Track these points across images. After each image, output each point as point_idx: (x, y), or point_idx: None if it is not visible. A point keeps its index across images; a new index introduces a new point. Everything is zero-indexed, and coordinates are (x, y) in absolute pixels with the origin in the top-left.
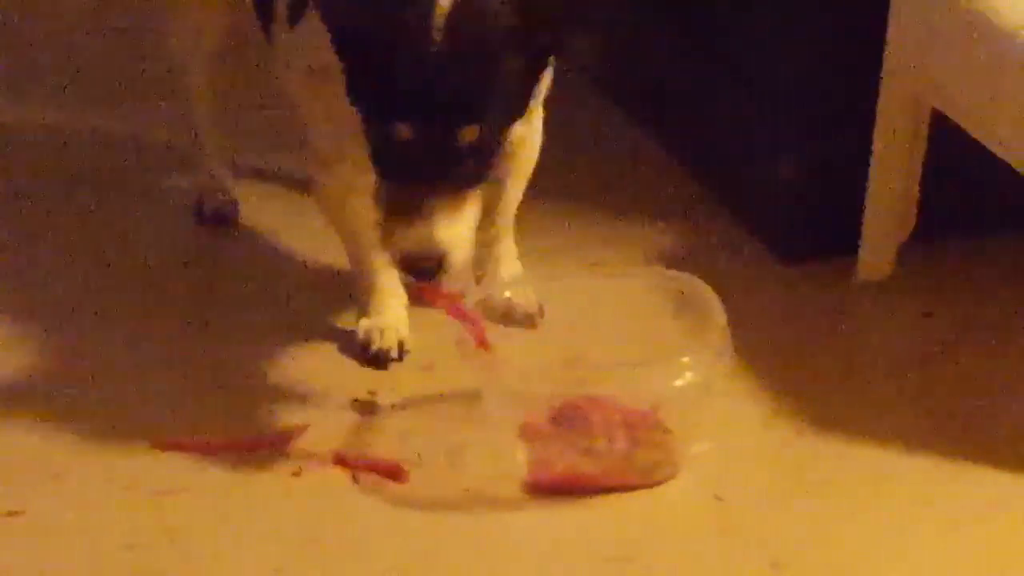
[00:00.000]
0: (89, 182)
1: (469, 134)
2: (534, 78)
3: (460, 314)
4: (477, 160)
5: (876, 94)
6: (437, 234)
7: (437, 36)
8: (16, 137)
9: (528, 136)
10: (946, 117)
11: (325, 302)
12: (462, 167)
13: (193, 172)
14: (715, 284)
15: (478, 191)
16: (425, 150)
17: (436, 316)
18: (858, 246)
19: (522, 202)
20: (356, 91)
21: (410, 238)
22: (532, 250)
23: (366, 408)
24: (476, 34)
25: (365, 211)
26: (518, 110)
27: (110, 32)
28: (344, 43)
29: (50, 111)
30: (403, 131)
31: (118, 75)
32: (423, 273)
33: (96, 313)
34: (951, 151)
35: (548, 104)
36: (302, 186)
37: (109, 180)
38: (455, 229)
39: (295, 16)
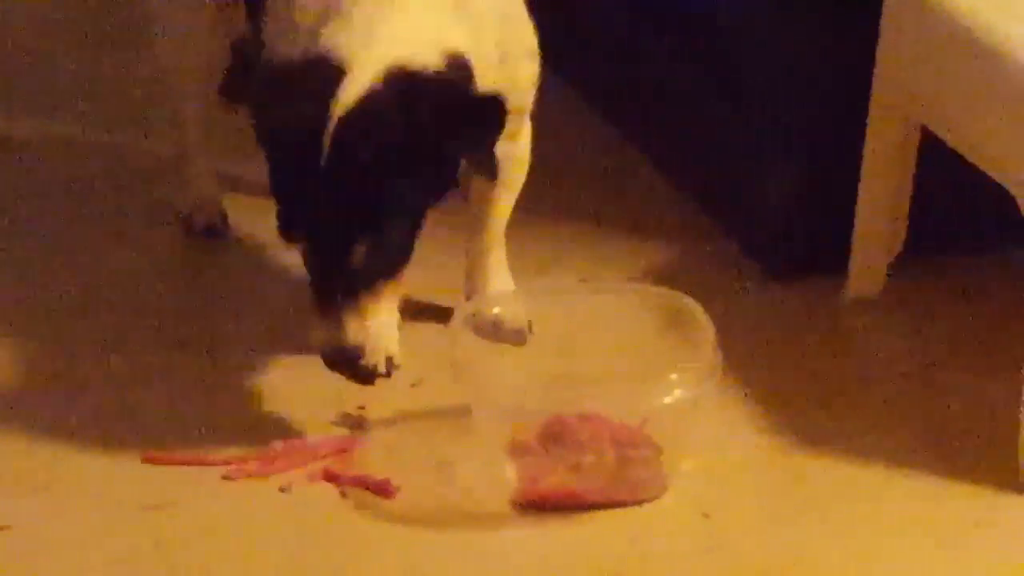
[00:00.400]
0: (78, 195)
1: (359, 249)
2: (436, 181)
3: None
4: (382, 262)
5: (867, 112)
6: (345, 335)
7: (324, 154)
8: (4, 150)
9: (517, 153)
10: (935, 135)
11: None
12: (366, 271)
13: (182, 185)
14: (705, 301)
15: (397, 278)
16: (322, 260)
17: (426, 332)
18: (848, 263)
19: (512, 217)
20: (274, 197)
21: (324, 338)
22: (522, 265)
23: (355, 423)
24: (362, 154)
25: None
26: (417, 211)
27: (100, 45)
28: (262, 144)
29: (40, 124)
30: (301, 244)
31: (108, 88)
32: (339, 368)
33: (85, 326)
34: (940, 169)
35: (538, 119)
36: None
37: (98, 193)
38: (364, 326)
39: (234, 96)
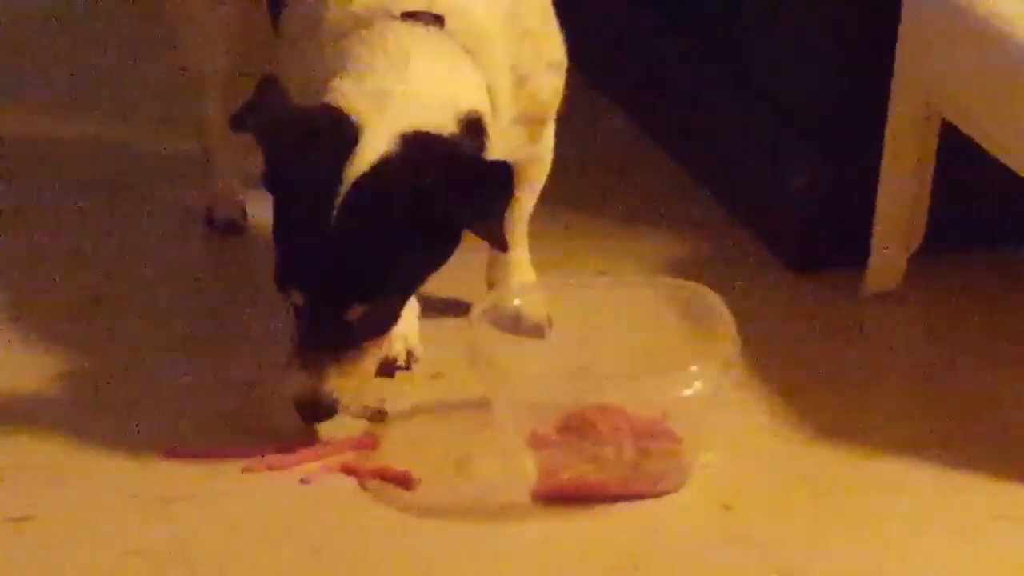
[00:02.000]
0: (98, 189)
1: (356, 311)
2: (439, 248)
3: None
4: (372, 324)
5: (887, 105)
6: (324, 387)
7: (335, 216)
8: (27, 146)
9: (539, 154)
10: (956, 128)
11: None
12: (356, 332)
13: (204, 180)
14: (724, 293)
15: (383, 338)
16: (316, 317)
17: (446, 325)
18: (868, 256)
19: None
20: (274, 241)
21: (299, 386)
22: (541, 259)
23: (375, 416)
24: (371, 220)
25: None
26: (418, 278)
27: (121, 40)
28: (269, 184)
29: (60, 119)
30: (296, 297)
31: (131, 86)
32: (309, 418)
33: (105, 320)
34: (961, 162)
35: (559, 113)
36: None
37: (119, 187)
38: (343, 381)
39: (242, 128)
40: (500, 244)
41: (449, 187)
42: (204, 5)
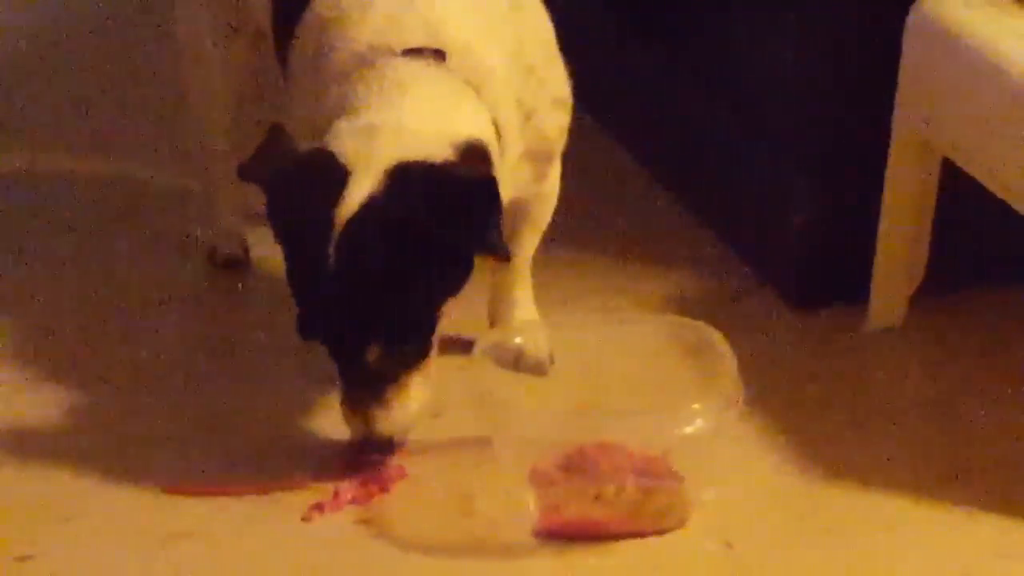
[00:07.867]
0: (102, 226)
1: (373, 352)
2: (447, 274)
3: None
4: (401, 358)
5: (888, 142)
6: (374, 428)
7: (331, 261)
8: (29, 181)
9: (544, 192)
10: (957, 166)
11: None
12: (386, 368)
13: (207, 217)
14: (726, 330)
15: (422, 367)
16: (341, 361)
17: (447, 362)
18: (869, 293)
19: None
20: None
21: (352, 428)
22: (542, 297)
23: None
24: (366, 260)
25: None
26: (431, 306)
27: (125, 76)
28: (277, 240)
29: (63, 155)
30: (318, 343)
31: (136, 121)
32: (374, 459)
33: (106, 356)
34: (962, 200)
35: (562, 152)
36: None
37: (121, 223)
38: (392, 416)
39: (245, 174)
40: (500, 254)
41: (434, 212)
42: (216, 42)
